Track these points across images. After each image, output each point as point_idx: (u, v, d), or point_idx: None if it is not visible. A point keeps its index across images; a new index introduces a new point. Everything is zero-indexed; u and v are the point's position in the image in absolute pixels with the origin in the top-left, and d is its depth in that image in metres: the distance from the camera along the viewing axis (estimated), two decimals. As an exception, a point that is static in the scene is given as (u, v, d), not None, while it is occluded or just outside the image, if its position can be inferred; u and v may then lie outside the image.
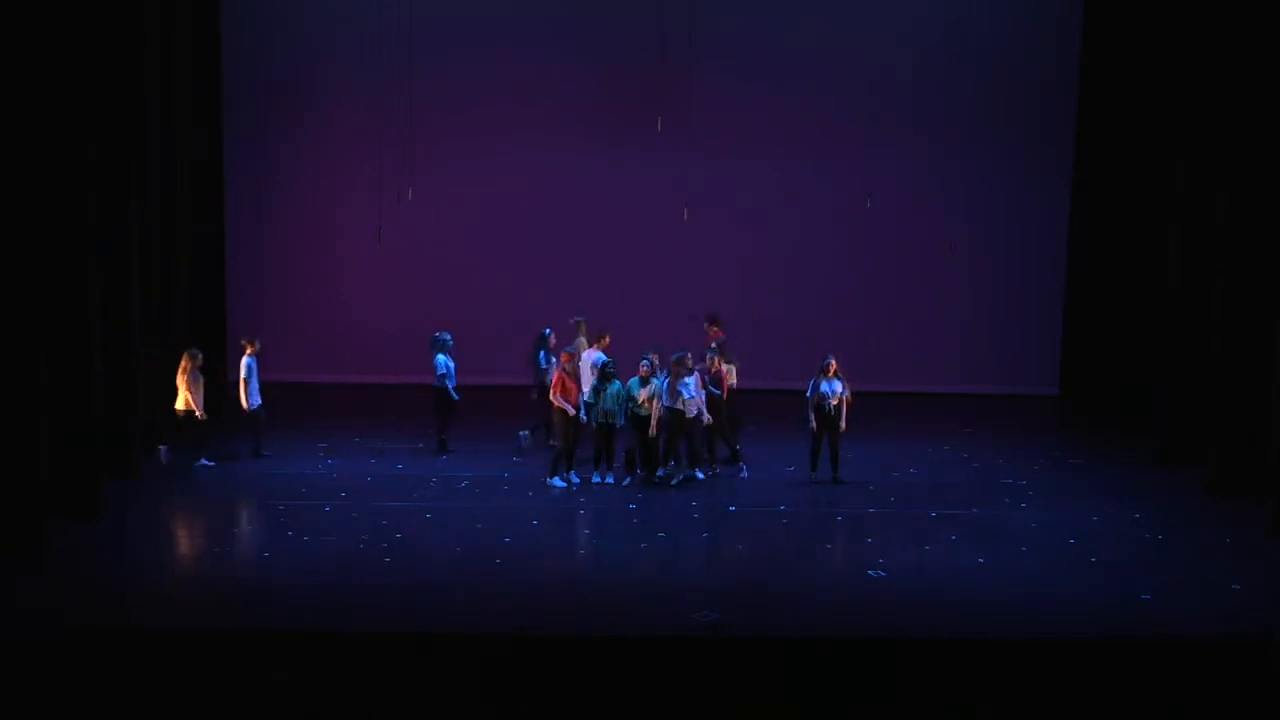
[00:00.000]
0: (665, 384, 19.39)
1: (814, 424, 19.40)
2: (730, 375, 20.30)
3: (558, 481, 19.29)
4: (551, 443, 19.97)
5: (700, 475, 19.75)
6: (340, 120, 25.19)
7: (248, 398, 20.40)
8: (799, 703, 13.76)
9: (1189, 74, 20.73)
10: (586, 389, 19.72)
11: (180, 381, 19.82)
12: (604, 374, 19.49)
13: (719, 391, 19.97)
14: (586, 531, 17.63)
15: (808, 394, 19.48)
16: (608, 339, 20.51)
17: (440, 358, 20.74)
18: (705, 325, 21.59)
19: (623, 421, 19.48)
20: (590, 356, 20.26)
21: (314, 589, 15.39)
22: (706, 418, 19.50)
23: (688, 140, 24.71)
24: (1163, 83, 21.87)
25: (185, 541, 17.00)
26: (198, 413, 19.84)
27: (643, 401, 19.34)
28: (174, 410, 19.94)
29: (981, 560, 16.73)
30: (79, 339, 17.63)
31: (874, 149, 25.21)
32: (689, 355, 19.61)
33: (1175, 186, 21.05)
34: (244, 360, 20.47)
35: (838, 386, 19.41)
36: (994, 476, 20.32)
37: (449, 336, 20.94)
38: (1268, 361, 18.33)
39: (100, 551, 16.49)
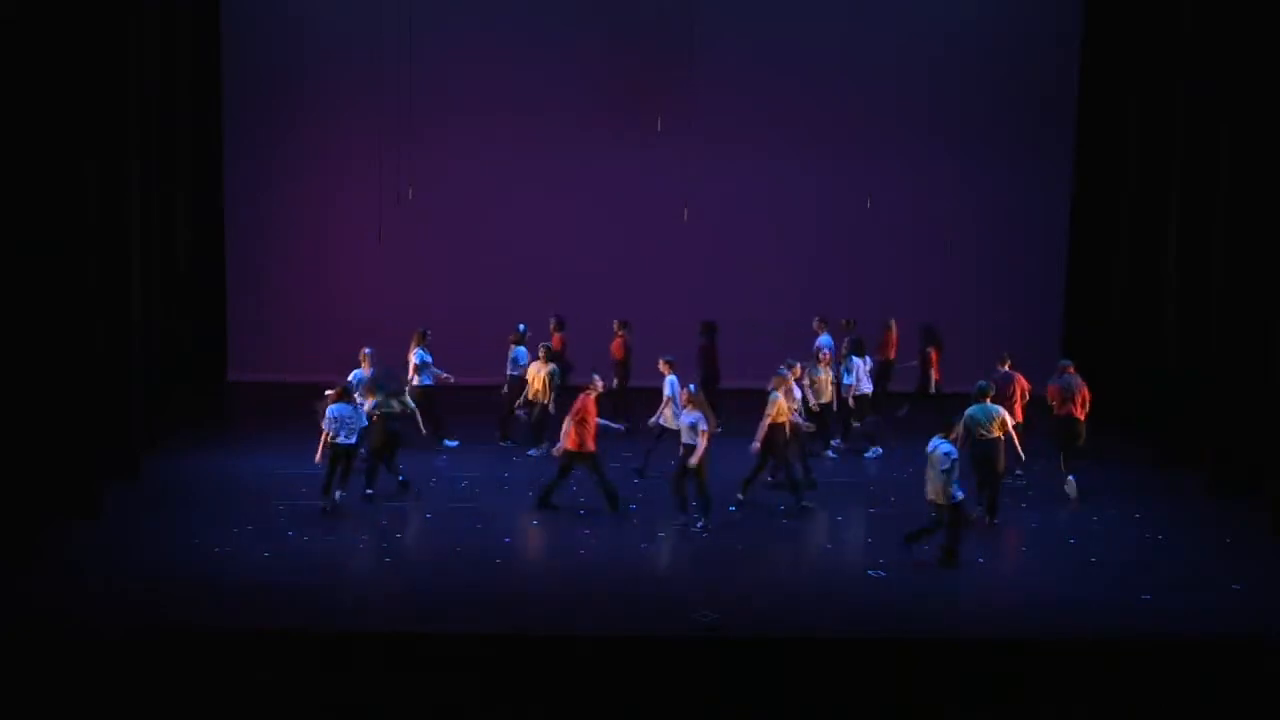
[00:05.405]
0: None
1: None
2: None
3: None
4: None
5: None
6: (340, 120, 25.18)
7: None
8: (799, 703, 13.75)
9: (1189, 74, 20.73)
10: None
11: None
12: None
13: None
14: (586, 531, 17.61)
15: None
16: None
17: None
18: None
19: None
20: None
21: (314, 589, 15.38)
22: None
23: (688, 140, 24.69)
24: (1163, 83, 21.87)
25: (185, 541, 16.98)
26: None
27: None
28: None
29: (981, 560, 16.73)
30: (79, 338, 17.63)
31: (874, 149, 25.20)
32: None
33: (1175, 186, 21.05)
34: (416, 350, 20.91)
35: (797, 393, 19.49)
36: (994, 476, 20.28)
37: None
38: (1268, 361, 18.33)
39: (100, 551, 16.48)
